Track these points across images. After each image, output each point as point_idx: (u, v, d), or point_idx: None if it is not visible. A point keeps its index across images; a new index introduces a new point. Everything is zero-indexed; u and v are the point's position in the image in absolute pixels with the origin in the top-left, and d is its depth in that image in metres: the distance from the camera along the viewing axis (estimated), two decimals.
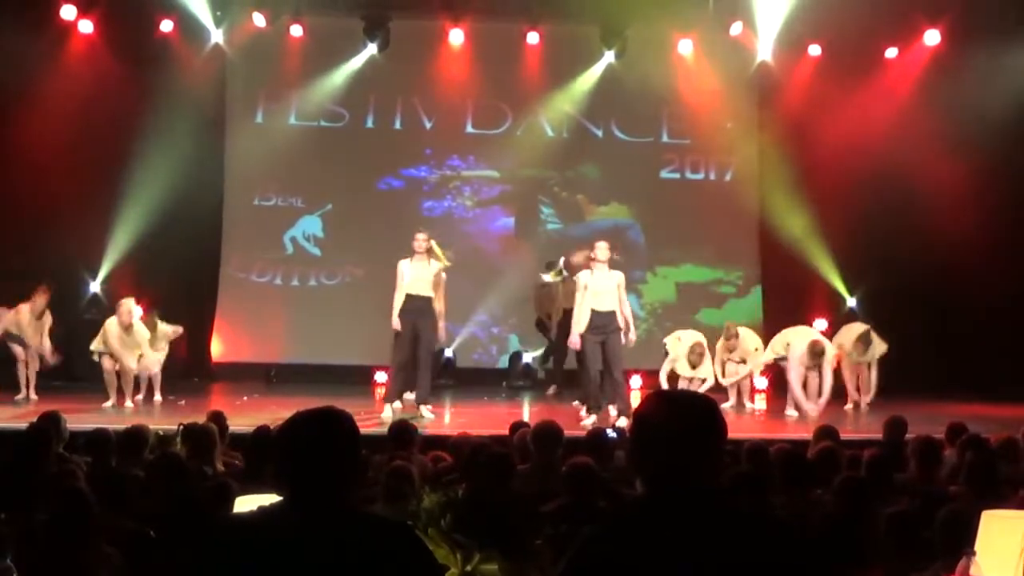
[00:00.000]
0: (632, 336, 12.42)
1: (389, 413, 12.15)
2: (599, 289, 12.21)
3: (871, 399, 14.05)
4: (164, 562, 5.12)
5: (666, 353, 13.89)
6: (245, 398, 13.86)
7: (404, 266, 12.62)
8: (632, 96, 16.77)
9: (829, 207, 15.84)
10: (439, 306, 12.86)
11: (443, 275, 12.97)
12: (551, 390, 15.26)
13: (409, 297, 12.51)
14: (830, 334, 15.83)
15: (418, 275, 12.56)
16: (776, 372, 14.10)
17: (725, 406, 13.28)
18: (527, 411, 13.17)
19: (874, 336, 13.91)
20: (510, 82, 17.12)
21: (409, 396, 12.96)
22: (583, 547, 2.90)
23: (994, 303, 15.47)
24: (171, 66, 15.94)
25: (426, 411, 12.42)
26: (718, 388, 13.58)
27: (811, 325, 15.41)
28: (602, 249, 12.29)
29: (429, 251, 12.67)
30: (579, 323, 12.22)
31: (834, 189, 15.76)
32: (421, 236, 12.70)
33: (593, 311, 12.16)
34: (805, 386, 13.21)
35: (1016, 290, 15.35)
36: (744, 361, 13.82)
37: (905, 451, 7.44)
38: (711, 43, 16.60)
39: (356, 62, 16.82)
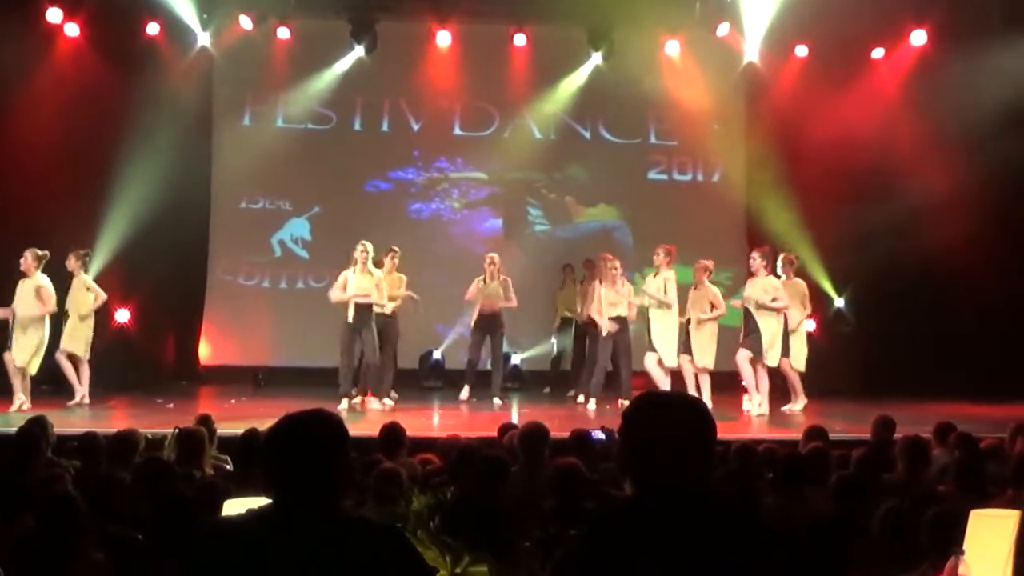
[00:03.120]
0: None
1: (345, 405, 13.02)
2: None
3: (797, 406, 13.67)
4: (152, 566, 5.11)
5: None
6: (233, 401, 13.86)
7: (348, 275, 13.24)
8: (619, 97, 16.82)
9: (817, 207, 15.85)
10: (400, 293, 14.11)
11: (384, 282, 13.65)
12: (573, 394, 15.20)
13: (357, 306, 13.21)
14: (819, 335, 15.92)
15: (360, 284, 13.21)
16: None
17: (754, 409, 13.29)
18: (516, 413, 13.17)
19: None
20: (497, 84, 17.14)
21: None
22: (572, 549, 2.90)
23: (981, 303, 15.51)
24: (158, 69, 15.92)
25: (377, 403, 13.43)
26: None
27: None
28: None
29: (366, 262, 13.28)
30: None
31: (822, 189, 15.78)
32: (360, 247, 13.29)
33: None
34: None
35: (1004, 290, 15.39)
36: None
37: (893, 451, 7.45)
38: (698, 44, 16.63)
39: (343, 64, 16.82)
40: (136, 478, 6.46)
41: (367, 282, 13.23)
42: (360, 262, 13.20)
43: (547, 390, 15.95)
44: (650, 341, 13.62)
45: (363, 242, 13.39)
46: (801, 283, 13.97)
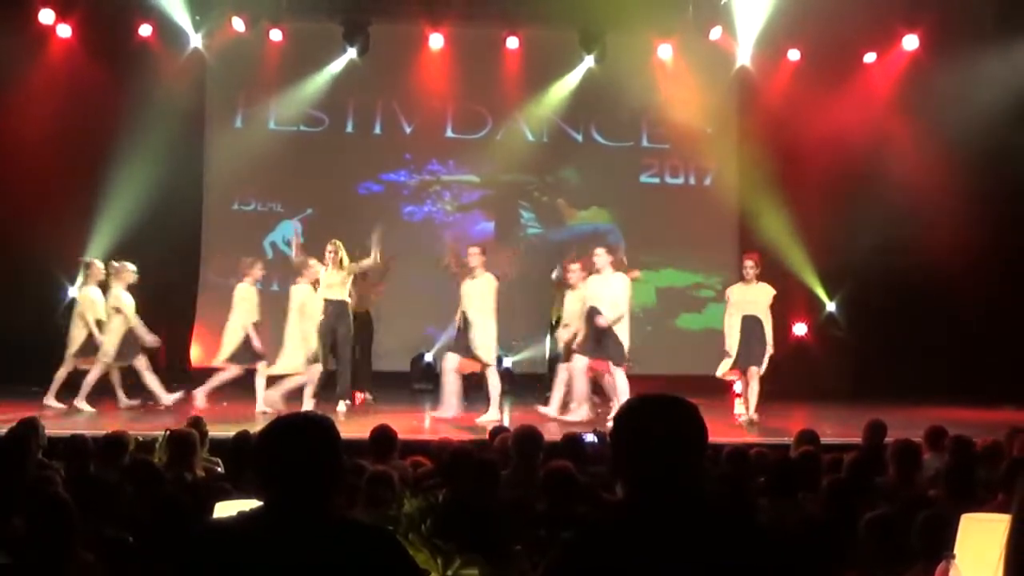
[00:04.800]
0: None
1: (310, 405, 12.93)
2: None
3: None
4: (144, 568, 5.10)
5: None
6: (225, 403, 13.80)
7: (320, 274, 13.45)
8: (612, 101, 16.83)
9: (808, 211, 15.87)
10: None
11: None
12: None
13: (326, 302, 13.33)
14: (810, 338, 15.94)
15: (331, 280, 13.38)
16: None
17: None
18: (507, 416, 13.15)
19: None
20: (490, 86, 17.14)
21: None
22: (563, 552, 2.89)
23: (973, 307, 15.54)
24: (150, 71, 15.89)
25: (343, 406, 13.26)
26: None
27: (791, 329, 15.53)
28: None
29: (339, 260, 13.42)
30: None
31: (813, 193, 15.79)
32: (329, 246, 13.49)
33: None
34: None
35: (995, 294, 15.42)
36: None
37: (884, 455, 7.46)
38: (691, 48, 16.63)
39: (336, 67, 16.81)
40: (125, 480, 6.45)
41: (336, 278, 13.36)
42: (330, 261, 13.38)
43: (548, 394, 15.56)
44: (466, 344, 12.90)
45: (333, 240, 13.56)
46: (767, 287, 13.17)
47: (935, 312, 15.87)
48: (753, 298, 12.97)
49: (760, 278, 13.08)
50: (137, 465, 6.69)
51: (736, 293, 13.18)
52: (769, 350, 12.88)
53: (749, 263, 13.13)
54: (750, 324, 12.90)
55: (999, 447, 7.82)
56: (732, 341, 12.96)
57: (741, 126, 17.25)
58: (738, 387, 14.09)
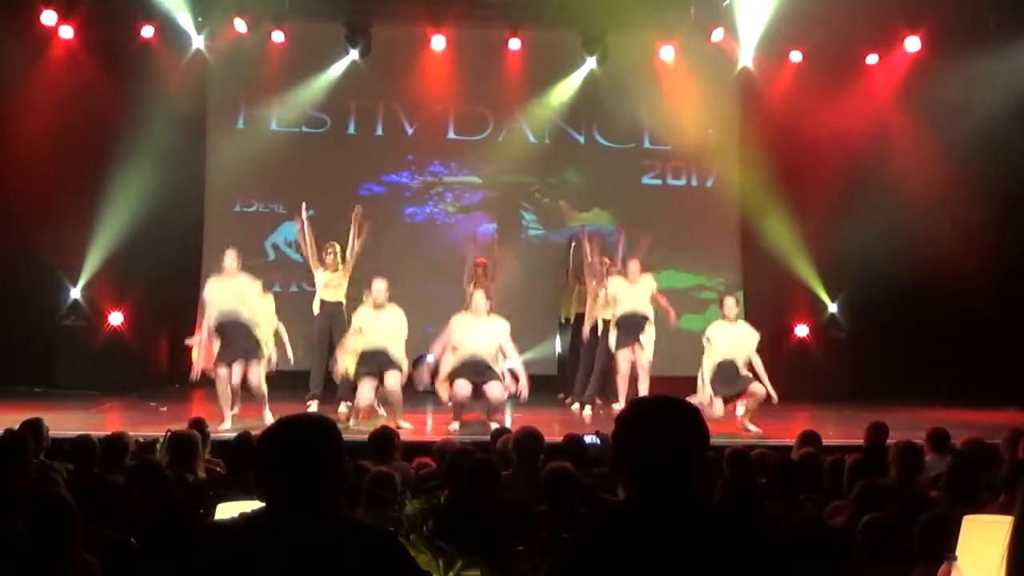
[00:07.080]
0: None
1: (315, 407, 13.12)
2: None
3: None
4: (145, 570, 5.10)
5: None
6: None
7: (317, 274, 13.75)
8: (614, 102, 16.80)
9: (811, 213, 15.87)
10: None
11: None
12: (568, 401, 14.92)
13: (323, 303, 13.63)
14: (812, 340, 15.93)
15: (328, 281, 13.62)
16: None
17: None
18: (509, 417, 13.16)
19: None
20: (492, 88, 17.13)
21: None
22: (564, 553, 2.90)
23: (974, 309, 15.53)
24: (152, 72, 15.87)
25: (344, 407, 13.26)
26: None
27: (792, 331, 15.48)
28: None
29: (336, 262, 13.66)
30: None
31: (815, 195, 15.80)
32: (327, 247, 13.70)
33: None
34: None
35: (997, 295, 15.41)
36: None
37: (886, 456, 7.46)
38: (692, 49, 16.61)
39: (338, 68, 16.80)
40: (129, 481, 6.45)
41: (333, 280, 13.53)
42: (328, 262, 13.57)
43: (561, 396, 15.45)
44: None
45: (331, 242, 13.69)
46: (750, 330, 12.68)
47: (937, 313, 15.86)
48: (735, 339, 12.51)
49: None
50: (142, 466, 6.69)
51: (717, 333, 12.61)
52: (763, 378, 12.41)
53: (730, 301, 12.80)
54: (725, 368, 12.42)
55: (1000, 449, 7.82)
56: (704, 391, 12.40)
57: (743, 128, 17.23)
58: None
